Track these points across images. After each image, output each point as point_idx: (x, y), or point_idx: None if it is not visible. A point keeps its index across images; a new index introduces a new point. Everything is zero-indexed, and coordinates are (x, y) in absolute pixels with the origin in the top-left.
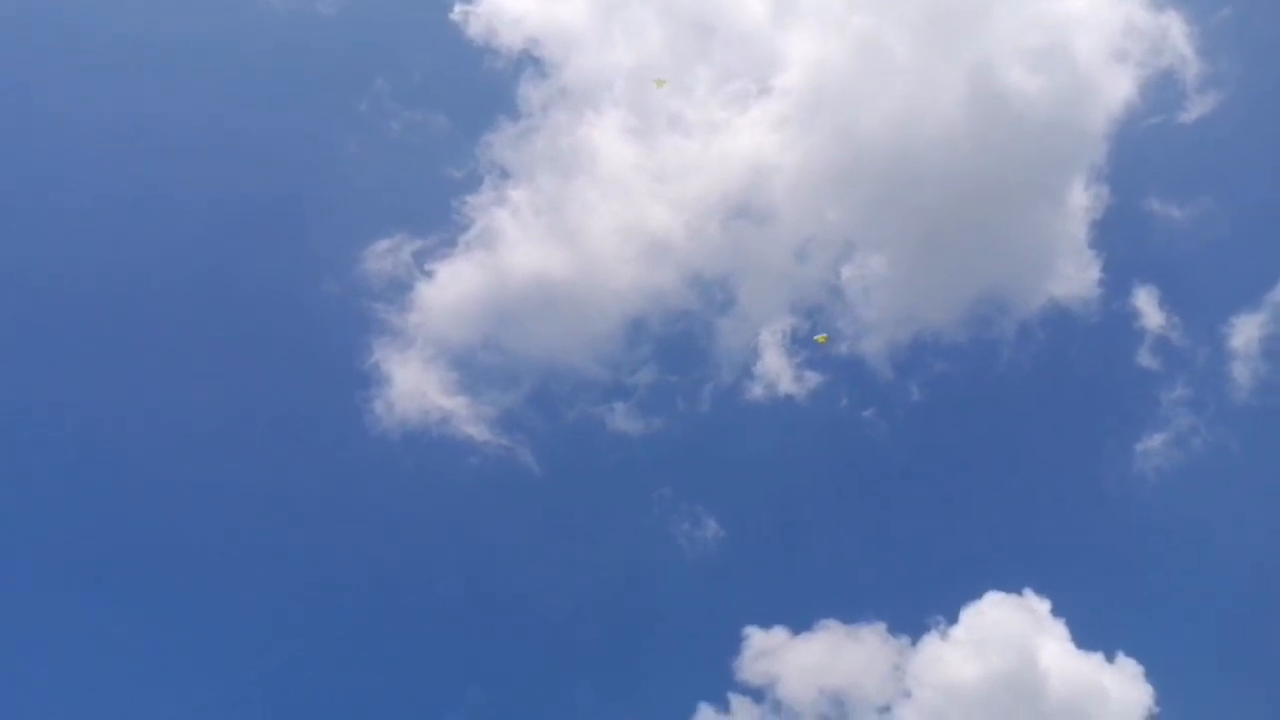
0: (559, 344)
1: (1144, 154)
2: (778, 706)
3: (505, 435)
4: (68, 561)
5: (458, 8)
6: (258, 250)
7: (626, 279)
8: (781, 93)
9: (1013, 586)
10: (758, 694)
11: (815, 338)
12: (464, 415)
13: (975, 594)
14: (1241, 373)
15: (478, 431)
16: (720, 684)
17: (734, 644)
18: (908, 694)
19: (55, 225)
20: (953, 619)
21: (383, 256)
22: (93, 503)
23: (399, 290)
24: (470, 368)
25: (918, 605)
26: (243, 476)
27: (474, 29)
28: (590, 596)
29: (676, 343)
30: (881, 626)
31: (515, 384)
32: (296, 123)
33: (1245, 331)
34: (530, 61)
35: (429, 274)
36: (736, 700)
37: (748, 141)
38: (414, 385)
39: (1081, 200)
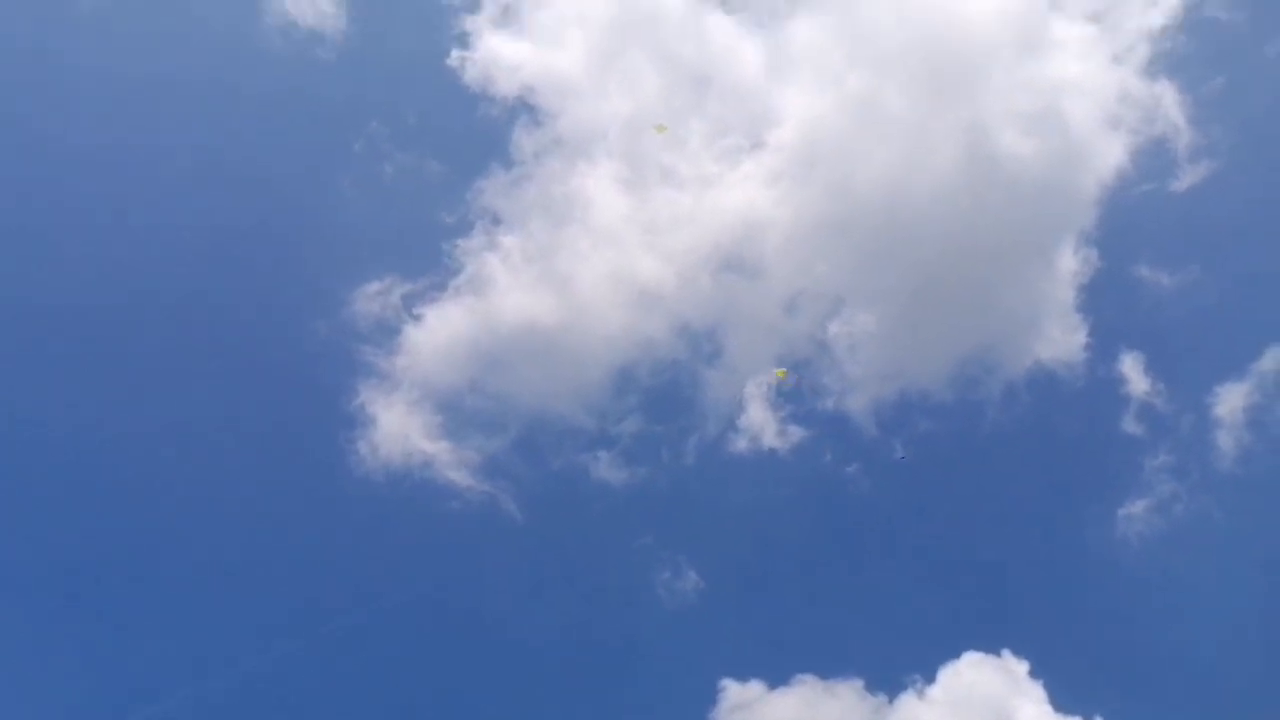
0: (546, 391)
1: (1134, 221)
2: None
3: (489, 481)
4: (56, 596)
5: (455, 53)
6: (249, 287)
7: (616, 328)
8: (775, 148)
9: (991, 647)
10: None
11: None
12: (448, 460)
13: (954, 653)
14: (1225, 441)
15: (460, 476)
16: None
17: (710, 696)
18: None
19: (51, 254)
20: (930, 678)
21: (372, 298)
22: (78, 534)
23: (387, 332)
24: (456, 412)
25: (896, 663)
26: (225, 510)
27: (470, 75)
28: (568, 645)
29: (663, 392)
30: (859, 683)
31: (501, 430)
32: (292, 162)
33: (1230, 401)
34: (525, 109)
35: (417, 317)
36: None
37: (740, 195)
38: (399, 428)
39: (1070, 264)
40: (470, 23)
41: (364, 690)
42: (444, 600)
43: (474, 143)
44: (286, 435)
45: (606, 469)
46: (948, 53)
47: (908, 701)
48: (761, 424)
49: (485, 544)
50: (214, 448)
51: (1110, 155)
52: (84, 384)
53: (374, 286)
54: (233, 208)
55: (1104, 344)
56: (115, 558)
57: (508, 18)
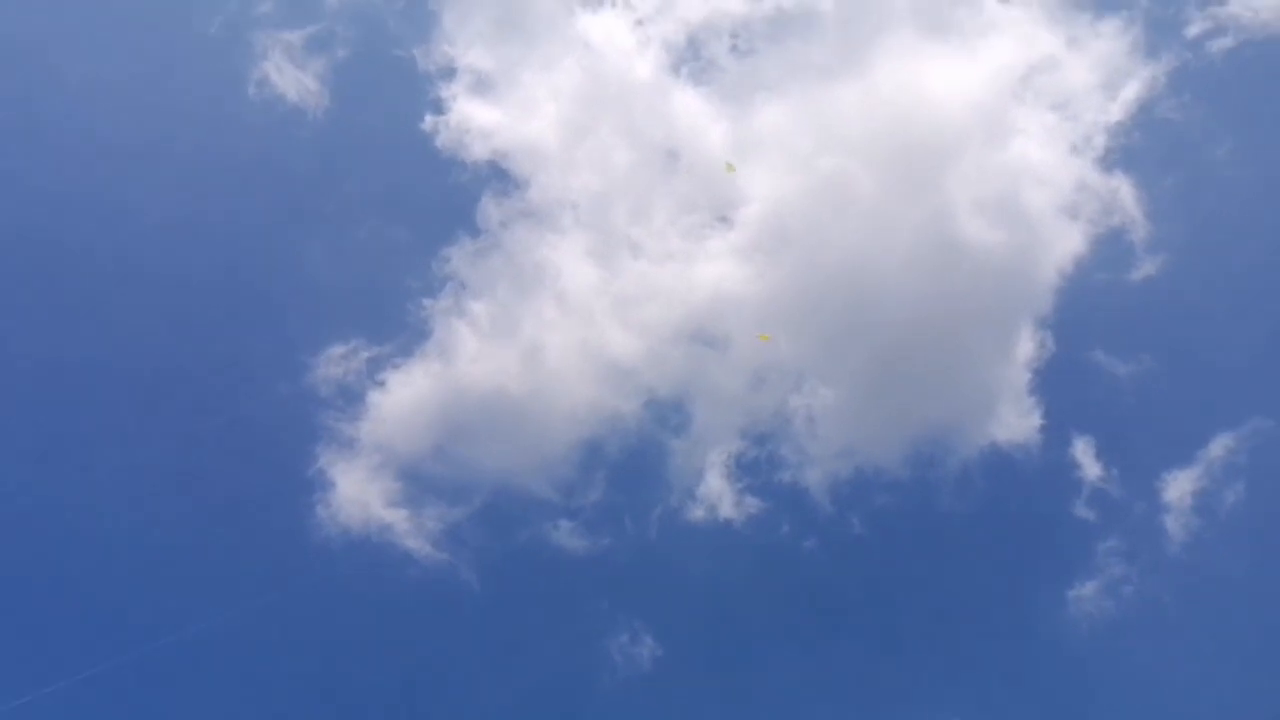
0: (510, 460)
1: (1090, 308)
2: None
3: (448, 549)
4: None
5: (428, 118)
6: (212, 348)
7: (582, 398)
8: (743, 226)
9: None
10: None
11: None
12: (407, 528)
13: None
14: (1174, 526)
15: (419, 544)
16: None
17: None
18: None
19: (18, 307)
20: None
21: (336, 362)
22: (41, 602)
23: (350, 397)
24: (418, 480)
25: None
26: (177, 571)
27: (443, 139)
28: (519, 707)
29: (629, 463)
30: None
31: (463, 499)
32: (265, 227)
33: (1179, 486)
34: (496, 176)
35: (381, 383)
36: None
37: (708, 271)
38: (359, 494)
39: (1027, 349)
40: (446, 89)
41: None
42: (398, 662)
43: (444, 209)
44: (243, 498)
45: (567, 537)
46: (915, 138)
47: None
48: (719, 494)
49: (442, 612)
50: (169, 508)
51: (1069, 244)
52: (41, 437)
53: (338, 350)
54: (200, 270)
55: (1057, 428)
56: (68, 621)
57: (482, 85)
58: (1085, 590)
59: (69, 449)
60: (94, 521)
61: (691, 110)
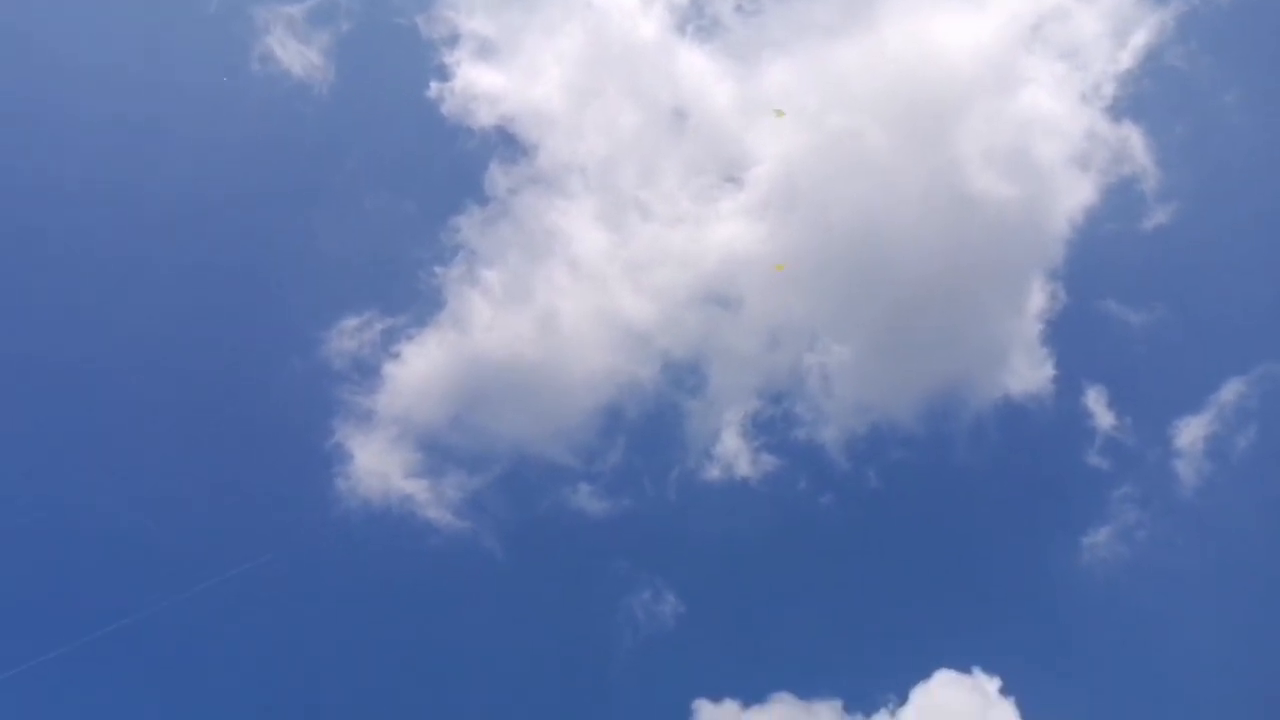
0: (528, 427)
1: (1101, 258)
2: None
3: (469, 518)
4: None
5: (433, 85)
6: (225, 325)
7: (598, 362)
8: (753, 185)
9: (962, 665)
10: None
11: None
12: (427, 498)
13: (925, 673)
14: (1186, 471)
15: (440, 514)
16: None
17: (682, 717)
18: None
19: (26, 286)
20: (903, 698)
21: (350, 335)
22: (60, 585)
23: (365, 370)
24: (436, 450)
25: (871, 683)
26: (198, 552)
27: (449, 106)
28: (544, 669)
29: (647, 425)
30: (838, 703)
31: (482, 467)
32: (272, 201)
33: (1190, 432)
34: (503, 141)
35: (396, 355)
36: None
37: (720, 232)
38: (378, 466)
39: (1039, 300)
40: (449, 56)
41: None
42: (421, 629)
43: (452, 177)
44: (261, 474)
45: (587, 501)
46: (923, 91)
47: None
48: (736, 453)
49: (465, 580)
50: (187, 488)
51: (1080, 194)
52: (56, 417)
53: (351, 323)
54: (209, 246)
55: (1070, 378)
56: (86, 607)
57: (486, 50)
58: (1099, 537)
59: (89, 432)
60: (115, 501)
61: (698, 70)
